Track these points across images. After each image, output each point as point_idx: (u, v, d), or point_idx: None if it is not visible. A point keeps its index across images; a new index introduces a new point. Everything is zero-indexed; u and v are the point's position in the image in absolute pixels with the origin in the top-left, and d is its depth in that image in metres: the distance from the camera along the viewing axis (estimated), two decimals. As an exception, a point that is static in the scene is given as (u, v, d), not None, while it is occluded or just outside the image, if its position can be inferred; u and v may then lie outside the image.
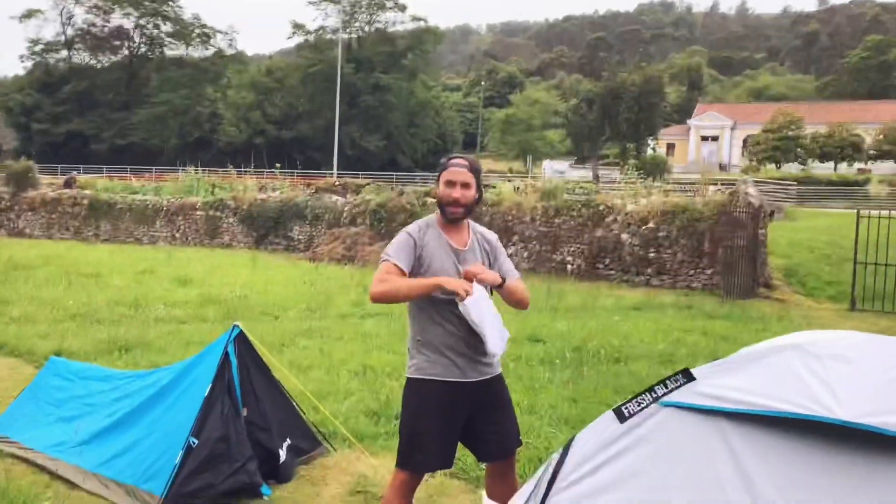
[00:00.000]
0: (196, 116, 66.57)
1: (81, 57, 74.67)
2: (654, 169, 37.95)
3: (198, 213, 20.93)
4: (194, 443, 3.88)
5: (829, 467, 2.06)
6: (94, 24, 72.43)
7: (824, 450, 2.07)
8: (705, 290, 12.78)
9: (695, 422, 2.22)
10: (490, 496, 3.30)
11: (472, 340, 3.03)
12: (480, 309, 2.95)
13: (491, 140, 67.96)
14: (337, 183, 28.84)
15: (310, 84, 64.87)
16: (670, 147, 66.74)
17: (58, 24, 72.41)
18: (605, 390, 6.07)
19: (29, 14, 69.42)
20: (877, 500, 2.00)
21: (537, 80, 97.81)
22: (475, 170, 3.14)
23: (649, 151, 46.50)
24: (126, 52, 75.07)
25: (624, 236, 14.08)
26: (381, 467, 4.38)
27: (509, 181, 21.93)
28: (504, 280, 3.14)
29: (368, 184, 26.10)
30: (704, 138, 67.07)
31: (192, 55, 74.56)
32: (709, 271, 13.08)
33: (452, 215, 3.10)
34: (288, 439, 4.40)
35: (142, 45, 74.93)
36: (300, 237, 19.15)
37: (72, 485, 4.13)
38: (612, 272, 14.19)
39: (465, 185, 3.09)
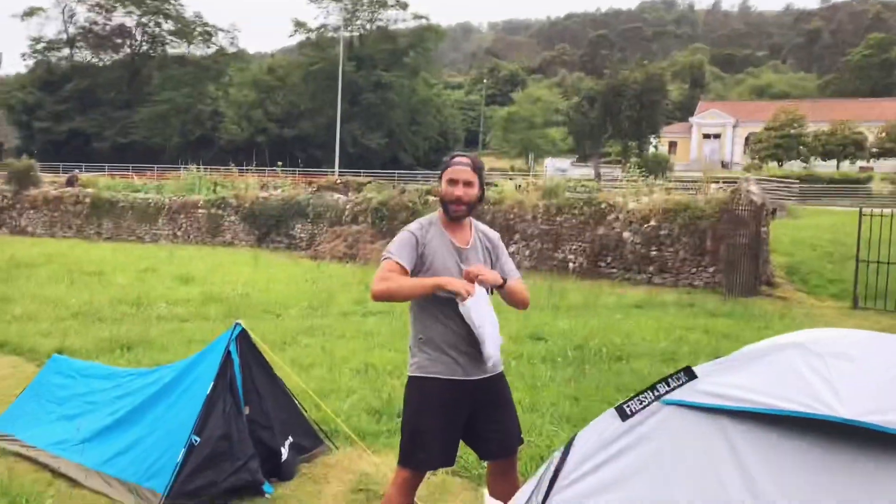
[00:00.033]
0: (198, 115, 66.63)
1: (83, 55, 74.84)
2: (656, 167, 37.93)
3: (200, 211, 20.94)
4: (196, 441, 3.89)
5: (831, 466, 2.06)
6: (95, 23, 72.58)
7: (826, 448, 2.07)
8: (707, 289, 12.77)
9: (697, 420, 2.22)
10: (492, 494, 3.31)
11: (474, 338, 3.03)
12: (480, 310, 2.95)
13: (493, 138, 67.91)
14: (338, 181, 28.84)
15: (311, 82, 64.87)
16: (672, 145, 66.67)
17: (60, 23, 72.65)
18: (607, 388, 6.07)
19: (31, 12, 69.56)
20: (879, 499, 2.00)
21: (539, 78, 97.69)
22: (478, 168, 3.14)
23: (651, 149, 46.48)
24: (128, 50, 75.20)
25: (626, 234, 14.07)
26: (383, 465, 4.39)
27: (511, 179, 21.94)
28: (505, 281, 3.13)
29: (370, 182, 26.11)
30: (706, 136, 66.99)
31: (193, 53, 74.71)
32: (711, 269, 13.07)
33: (455, 213, 3.10)
34: (290, 437, 4.41)
35: (143, 44, 75.04)
36: (302, 235, 19.16)
37: (74, 483, 4.14)
38: (614, 270, 14.18)
39: (468, 184, 3.09)
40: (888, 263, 11.03)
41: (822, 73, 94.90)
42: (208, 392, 3.99)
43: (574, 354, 7.28)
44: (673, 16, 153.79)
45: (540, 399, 5.71)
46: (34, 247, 17.40)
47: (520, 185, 18.03)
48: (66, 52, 73.82)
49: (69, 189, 24.12)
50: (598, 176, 38.95)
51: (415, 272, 3.06)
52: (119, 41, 74.59)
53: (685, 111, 73.76)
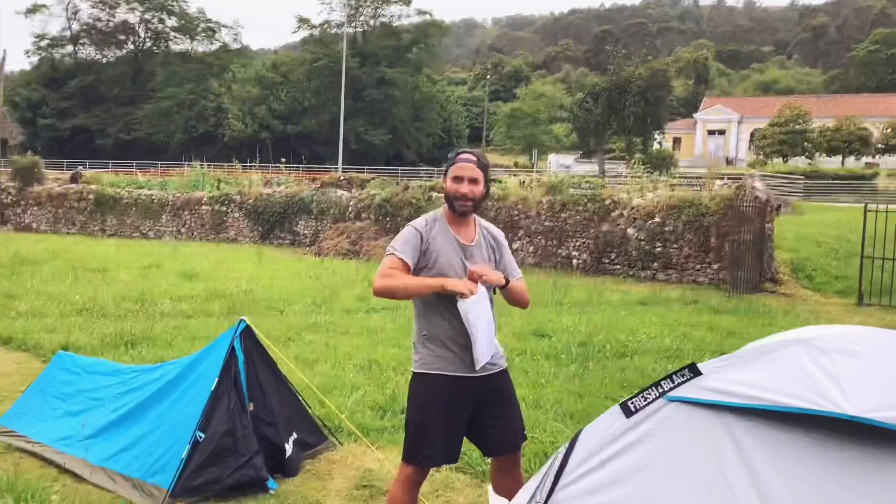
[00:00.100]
0: (201, 111, 66.68)
1: (87, 52, 75.00)
2: (661, 163, 37.85)
3: (203, 207, 20.97)
4: (201, 437, 3.90)
5: (836, 462, 2.05)
6: (99, 19, 72.68)
7: (831, 445, 2.07)
8: (711, 285, 12.75)
9: (701, 417, 2.22)
10: (496, 491, 3.31)
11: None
12: (479, 311, 2.95)
13: (496, 134, 67.85)
14: (342, 177, 28.82)
15: (315, 78, 64.88)
16: (676, 141, 66.55)
17: (63, 20, 72.64)
18: (611, 385, 6.07)
19: (34, 9, 69.57)
20: (884, 495, 1.99)
21: (543, 74, 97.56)
22: (483, 165, 3.14)
23: (655, 145, 46.33)
24: (131, 46, 75.32)
25: (630, 231, 14.05)
26: (387, 461, 4.39)
27: (515, 175, 21.91)
28: (508, 281, 3.13)
29: (373, 178, 26.12)
30: (711, 132, 66.83)
31: (197, 50, 74.78)
32: (715, 266, 13.05)
33: (461, 208, 3.10)
34: (294, 433, 4.42)
35: (147, 40, 75.11)
36: (305, 232, 19.18)
37: (79, 478, 4.15)
38: (618, 267, 14.17)
39: (473, 181, 3.08)
40: (893, 260, 11.00)
41: (827, 68, 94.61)
42: (213, 388, 4.00)
43: (578, 351, 7.27)
44: (677, 11, 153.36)
45: (544, 395, 5.71)
46: (38, 243, 17.44)
47: (524, 182, 18.01)
48: (69, 48, 73.93)
49: (73, 186, 24.17)
50: (602, 172, 38.87)
51: (419, 269, 3.06)
52: (122, 38, 74.70)
53: (690, 107, 73.62)
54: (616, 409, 2.35)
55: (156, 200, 21.74)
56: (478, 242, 3.18)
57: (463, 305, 2.91)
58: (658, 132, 46.54)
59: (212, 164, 32.99)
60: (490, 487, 3.40)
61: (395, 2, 68.51)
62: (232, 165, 31.38)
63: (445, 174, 3.15)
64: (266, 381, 4.37)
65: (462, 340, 3.03)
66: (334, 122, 54.91)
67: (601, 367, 6.69)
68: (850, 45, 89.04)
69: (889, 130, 48.34)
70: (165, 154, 61.17)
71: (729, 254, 12.42)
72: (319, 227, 18.83)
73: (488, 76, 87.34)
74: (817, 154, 48.40)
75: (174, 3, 71.60)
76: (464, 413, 3.10)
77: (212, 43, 75.02)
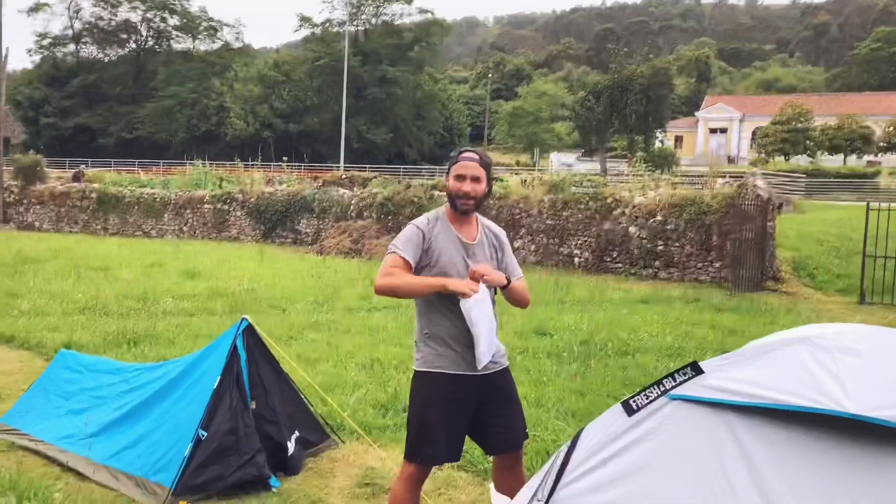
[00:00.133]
0: (203, 110, 66.70)
1: (89, 51, 75.02)
2: (662, 161, 37.76)
3: (205, 206, 20.99)
4: (203, 435, 3.90)
5: (838, 460, 2.05)
6: (101, 18, 72.69)
7: (833, 443, 2.07)
8: (713, 283, 12.74)
9: (703, 415, 2.22)
10: (498, 489, 3.31)
11: (479, 334, 3.04)
12: (481, 310, 2.95)
13: (498, 133, 67.79)
14: (344, 176, 28.83)
15: (316, 77, 64.87)
16: (678, 139, 66.45)
17: (65, 18, 72.93)
18: (613, 383, 6.07)
19: (36, 8, 69.60)
20: (885, 493, 2.00)
21: (545, 73, 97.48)
22: (486, 164, 3.14)
23: (657, 144, 46.24)
24: (133, 45, 75.34)
25: (632, 229, 14.05)
26: (389, 460, 4.40)
27: (516, 174, 21.89)
28: (509, 281, 3.13)
29: (375, 177, 26.13)
30: (713, 130, 66.75)
31: (199, 48, 74.79)
32: (717, 264, 13.04)
33: (463, 207, 3.10)
34: (296, 432, 4.42)
35: (149, 39, 75.14)
36: (307, 230, 19.19)
37: (82, 476, 4.16)
38: (620, 265, 14.17)
39: (476, 179, 3.09)
40: (895, 258, 10.98)
41: (829, 66, 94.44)
42: (215, 386, 4.01)
43: (580, 349, 7.28)
44: (679, 10, 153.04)
45: (545, 394, 5.71)
46: (41, 242, 17.46)
47: (525, 180, 18.01)
48: (71, 47, 73.97)
49: (75, 184, 24.20)
50: (604, 171, 38.83)
51: (421, 267, 3.06)
52: (124, 36, 74.72)
53: (691, 105, 73.51)
54: (618, 407, 2.35)
55: (158, 199, 21.76)
56: (480, 241, 3.18)
57: (465, 305, 2.91)
58: (660, 130, 46.42)
59: (214, 162, 32.98)
60: (492, 486, 3.41)
61: (397, 0, 68.51)
62: (234, 164, 31.33)
63: (448, 173, 3.15)
64: (268, 380, 4.38)
65: (464, 339, 3.03)
66: (336, 120, 54.90)
67: (603, 366, 6.69)
68: (852, 44, 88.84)
69: (891, 129, 48.20)
70: (167, 153, 61.19)
71: (731, 252, 12.42)
72: (321, 226, 18.84)
73: (490, 75, 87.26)
74: (819, 152, 48.29)
75: (176, 2, 71.63)
76: (465, 411, 3.10)
77: (214, 42, 75.11)
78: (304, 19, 68.94)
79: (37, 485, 3.98)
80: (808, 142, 47.85)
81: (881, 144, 48.73)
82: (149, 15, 72.44)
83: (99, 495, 3.95)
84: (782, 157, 47.88)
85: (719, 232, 12.97)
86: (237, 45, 75.78)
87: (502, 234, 3.33)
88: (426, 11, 69.78)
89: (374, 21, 70.15)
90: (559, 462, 2.37)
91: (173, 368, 4.46)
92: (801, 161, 46.69)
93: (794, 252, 13.76)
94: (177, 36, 74.69)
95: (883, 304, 10.89)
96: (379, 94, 63.71)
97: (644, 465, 2.23)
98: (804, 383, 2.11)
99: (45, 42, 72.28)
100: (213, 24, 73.85)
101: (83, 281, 11.38)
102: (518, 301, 3.24)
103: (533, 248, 15.38)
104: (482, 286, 2.96)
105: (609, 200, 14.54)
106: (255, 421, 4.14)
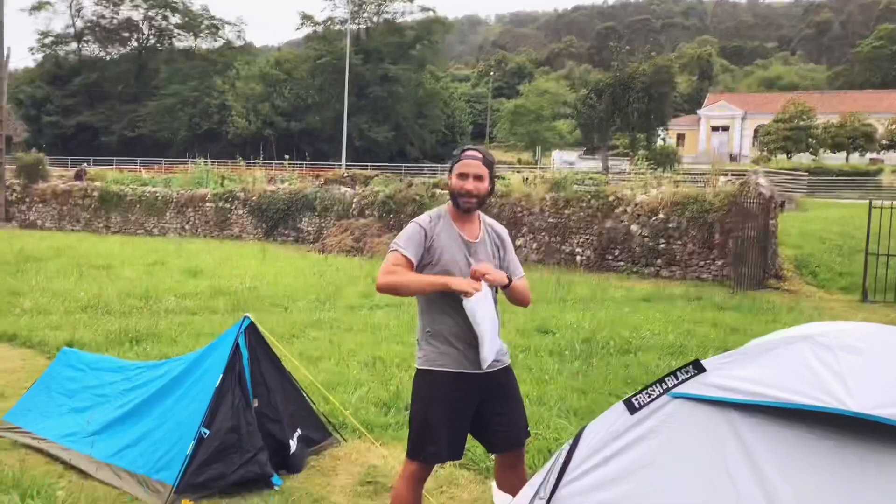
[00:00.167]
0: (205, 108, 66.73)
1: (91, 49, 75.07)
2: (664, 159, 37.74)
3: (207, 204, 21.00)
4: (206, 433, 3.91)
5: (839, 458, 2.05)
6: (103, 16, 72.72)
7: (835, 441, 2.07)
8: (715, 282, 12.73)
9: (705, 413, 2.22)
10: (500, 487, 3.31)
11: (479, 333, 3.03)
12: (483, 309, 2.95)
13: (500, 131, 67.77)
14: (345, 174, 28.86)
15: (318, 75, 64.88)
16: (680, 137, 66.38)
17: (67, 17, 73.10)
18: (615, 382, 6.07)
19: (39, 6, 69.61)
20: (886, 491, 2.00)
21: (546, 71, 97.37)
22: (489, 162, 3.13)
23: (659, 142, 46.16)
24: (135, 43, 75.38)
25: (633, 227, 14.03)
26: (391, 458, 4.40)
27: (518, 172, 21.89)
28: (511, 280, 3.13)
29: (377, 175, 26.16)
30: (715, 128, 66.69)
31: (200, 47, 74.80)
32: (719, 262, 13.03)
33: (466, 205, 3.10)
34: (298, 430, 4.43)
35: (151, 37, 75.17)
36: (309, 229, 19.19)
37: (85, 474, 4.17)
38: (622, 263, 14.16)
39: (479, 178, 3.08)
40: (898, 256, 10.97)
41: (831, 64, 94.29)
42: (217, 385, 4.01)
43: (582, 347, 7.28)
44: (681, 7, 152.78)
45: (547, 392, 5.71)
46: (43, 240, 17.48)
47: (527, 178, 18.00)
48: (73, 46, 74.00)
49: (77, 183, 24.23)
50: (605, 169, 38.80)
51: (423, 265, 3.06)
52: (126, 35, 74.75)
53: (693, 103, 73.45)
54: (620, 405, 2.35)
55: (160, 197, 21.78)
56: (482, 239, 3.18)
57: (468, 304, 2.91)
58: (662, 128, 46.32)
59: (215, 161, 32.97)
60: (494, 484, 3.41)
61: (399, -2, 68.45)
62: (236, 162, 31.42)
63: (450, 171, 3.15)
64: (270, 378, 4.38)
65: (466, 337, 3.03)
66: (338, 119, 54.90)
67: (605, 364, 6.69)
68: (855, 41, 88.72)
69: (893, 126, 48.12)
70: (169, 151, 61.22)
71: (733, 250, 12.41)
72: (323, 224, 18.84)
73: (492, 73, 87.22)
74: (821, 150, 48.23)
75: (178, 1, 71.65)
76: (467, 409, 3.10)
77: (215, 40, 75.14)
78: (306, 17, 68.96)
79: (39, 483, 3.98)
80: (810, 140, 47.79)
81: (883, 142, 48.67)
82: (150, 13, 72.51)
83: (101, 493, 3.96)
84: (784, 155, 47.82)
85: (721, 230, 12.96)
86: (239, 43, 75.89)
87: (504, 232, 3.33)
88: (428, 9, 69.82)
89: (375, 19, 70.16)
90: (561, 460, 2.37)
91: (175, 367, 4.47)
92: (804, 159, 46.62)
93: (796, 250, 13.74)
94: (178, 34, 74.74)
95: (885, 303, 10.88)
96: (380, 92, 63.70)
97: (646, 464, 2.23)
98: (806, 381, 2.11)
99: (47, 41, 72.35)
100: (214, 22, 73.93)
101: (85, 279, 11.39)
102: (519, 300, 3.24)
103: (535, 246, 15.38)
104: (484, 285, 2.96)
105: (611, 198, 14.52)
106: (257, 419, 4.15)
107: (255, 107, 62.90)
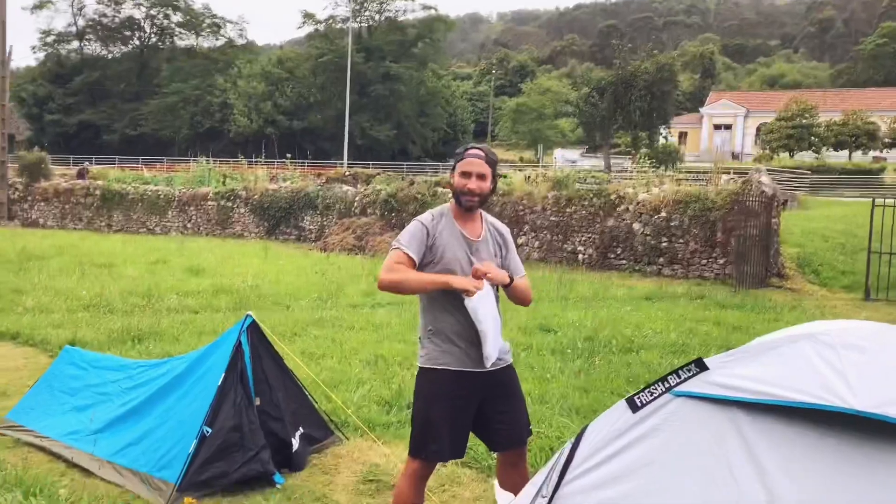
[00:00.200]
0: (207, 107, 66.75)
1: (93, 48, 75.12)
2: (666, 158, 37.72)
3: (209, 203, 21.02)
4: (208, 432, 3.91)
5: (842, 456, 2.05)
6: (104, 15, 72.76)
7: (838, 439, 2.07)
8: (718, 280, 12.72)
9: (708, 412, 2.22)
10: (502, 485, 3.31)
11: (484, 330, 3.03)
12: (485, 308, 2.95)
13: (502, 129, 67.74)
14: (347, 173, 28.87)
15: (320, 74, 64.87)
16: (682, 135, 66.30)
17: (69, 15, 73.06)
18: (617, 380, 6.06)
19: (40, 5, 69.63)
20: (889, 489, 1.99)
21: (548, 69, 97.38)
22: (491, 161, 3.13)
23: (661, 140, 46.13)
24: (137, 42, 75.42)
25: (636, 226, 14.02)
26: (393, 456, 4.41)
27: (520, 170, 21.87)
28: (512, 279, 3.13)
29: (379, 174, 26.15)
30: (717, 127, 66.59)
31: (202, 45, 74.81)
32: (721, 261, 13.01)
33: (468, 203, 3.10)
34: (300, 428, 4.43)
35: (152, 36, 75.19)
36: (311, 227, 19.21)
37: (87, 473, 4.17)
38: (624, 262, 14.15)
39: (481, 177, 3.08)
40: (900, 254, 10.95)
41: (834, 62, 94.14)
42: (219, 383, 4.01)
43: (584, 346, 7.27)
44: (683, 5, 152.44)
45: (549, 390, 5.71)
46: (45, 239, 17.50)
47: (529, 177, 17.98)
48: (75, 44, 74.03)
49: (80, 181, 24.26)
50: (607, 167, 38.77)
51: (425, 263, 3.06)
52: (128, 33, 74.80)
53: (696, 101, 73.38)
54: (622, 404, 2.35)
55: (162, 196, 21.80)
56: (484, 238, 3.17)
57: (470, 303, 2.91)
58: (664, 127, 46.27)
59: (217, 159, 33.02)
60: (496, 482, 3.41)
61: (400, -3, 68.42)
62: (237, 161, 31.42)
63: (453, 169, 3.15)
64: (272, 376, 4.38)
65: (468, 335, 3.03)
66: (339, 117, 54.93)
67: (607, 363, 6.69)
68: (858, 39, 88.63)
69: (896, 124, 48.04)
70: (171, 150, 61.28)
71: (735, 249, 12.39)
72: (325, 223, 18.85)
73: (493, 71, 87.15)
74: (824, 148, 48.12)
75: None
76: (469, 408, 3.10)
77: (217, 39, 75.17)
78: (308, 16, 68.90)
79: (42, 481, 3.99)
80: (812, 138, 47.68)
81: (886, 140, 48.55)
82: (152, 12, 72.53)
83: (104, 491, 3.97)
84: (787, 154, 47.73)
85: (724, 228, 12.94)
86: (241, 41, 75.84)
87: (506, 231, 3.32)
88: (430, 8, 69.74)
89: (377, 17, 70.10)
90: (563, 458, 2.37)
91: (178, 365, 4.47)
92: (806, 157, 46.53)
93: (798, 249, 13.73)
94: (180, 33, 74.78)
95: (888, 301, 10.86)
96: (382, 90, 63.69)
97: (648, 462, 2.23)
98: (809, 380, 2.10)
99: (49, 39, 72.36)
100: (216, 20, 73.93)
101: (87, 278, 11.40)
102: (520, 299, 3.24)
103: (537, 244, 15.37)
104: (486, 284, 2.96)
105: (613, 197, 14.51)
106: (259, 417, 4.15)
107: (256, 105, 62.91)
